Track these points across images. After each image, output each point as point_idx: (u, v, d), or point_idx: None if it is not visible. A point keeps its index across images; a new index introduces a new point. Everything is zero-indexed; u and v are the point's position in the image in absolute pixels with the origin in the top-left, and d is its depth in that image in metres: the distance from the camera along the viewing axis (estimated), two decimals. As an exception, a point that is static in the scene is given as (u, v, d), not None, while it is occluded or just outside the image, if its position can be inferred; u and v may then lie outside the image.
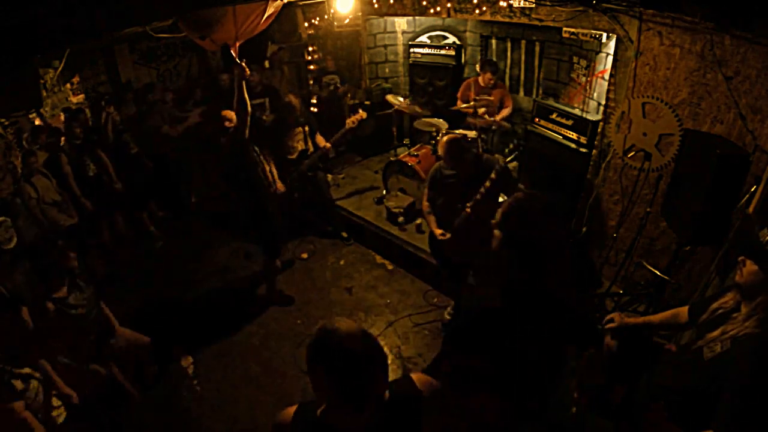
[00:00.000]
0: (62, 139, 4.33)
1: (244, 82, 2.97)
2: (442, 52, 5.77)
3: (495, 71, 4.75)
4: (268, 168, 3.82)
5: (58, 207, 4.01)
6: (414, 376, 1.33)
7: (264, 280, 4.01)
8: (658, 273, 3.10)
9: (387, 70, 6.42)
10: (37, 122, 4.31)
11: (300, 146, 4.42)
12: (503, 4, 3.63)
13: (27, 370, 2.32)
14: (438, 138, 4.62)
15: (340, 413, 1.18)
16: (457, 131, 4.60)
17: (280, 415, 1.26)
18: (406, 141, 6.17)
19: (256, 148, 3.60)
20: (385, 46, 6.29)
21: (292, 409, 1.26)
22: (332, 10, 4.42)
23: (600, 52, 4.24)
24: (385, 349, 3.25)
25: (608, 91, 3.50)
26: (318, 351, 1.13)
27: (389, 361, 3.10)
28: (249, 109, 3.11)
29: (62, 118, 4.56)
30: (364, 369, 1.11)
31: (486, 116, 4.64)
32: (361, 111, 4.48)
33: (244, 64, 2.93)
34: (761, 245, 2.17)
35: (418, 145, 4.98)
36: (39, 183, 3.88)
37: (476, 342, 1.69)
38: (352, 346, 1.10)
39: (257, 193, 3.47)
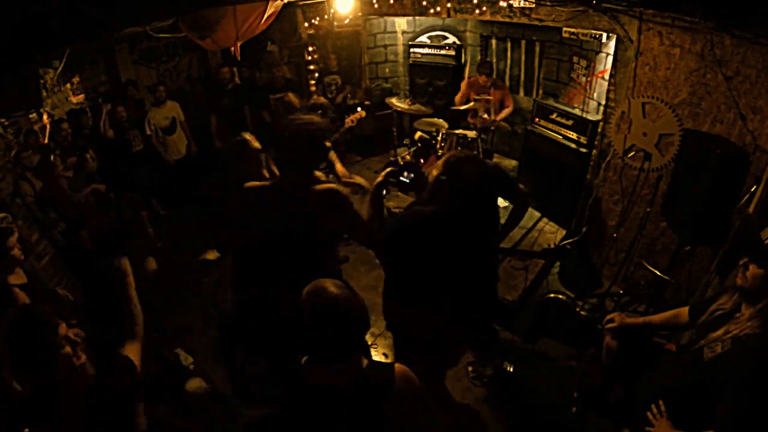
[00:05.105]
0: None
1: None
2: (442, 52, 5.77)
3: (489, 74, 4.77)
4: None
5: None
6: (397, 365, 1.35)
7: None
8: (658, 273, 3.09)
9: (387, 70, 6.42)
10: (45, 120, 4.28)
11: (300, 146, 4.41)
12: (503, 4, 3.63)
13: None
14: (438, 138, 4.61)
15: (322, 368, 1.30)
16: (457, 131, 4.59)
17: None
18: (406, 141, 6.17)
19: None
20: (385, 46, 6.29)
21: None
22: (332, 10, 4.42)
23: (600, 52, 4.24)
24: (386, 350, 3.25)
25: (608, 91, 3.50)
26: (309, 302, 1.30)
27: (387, 356, 3.12)
28: None
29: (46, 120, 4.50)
30: (344, 321, 1.27)
31: (485, 116, 4.64)
32: (360, 110, 4.47)
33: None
34: (766, 247, 2.17)
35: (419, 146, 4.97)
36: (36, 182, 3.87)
37: (406, 247, 2.10)
38: (335, 300, 1.28)
39: None
